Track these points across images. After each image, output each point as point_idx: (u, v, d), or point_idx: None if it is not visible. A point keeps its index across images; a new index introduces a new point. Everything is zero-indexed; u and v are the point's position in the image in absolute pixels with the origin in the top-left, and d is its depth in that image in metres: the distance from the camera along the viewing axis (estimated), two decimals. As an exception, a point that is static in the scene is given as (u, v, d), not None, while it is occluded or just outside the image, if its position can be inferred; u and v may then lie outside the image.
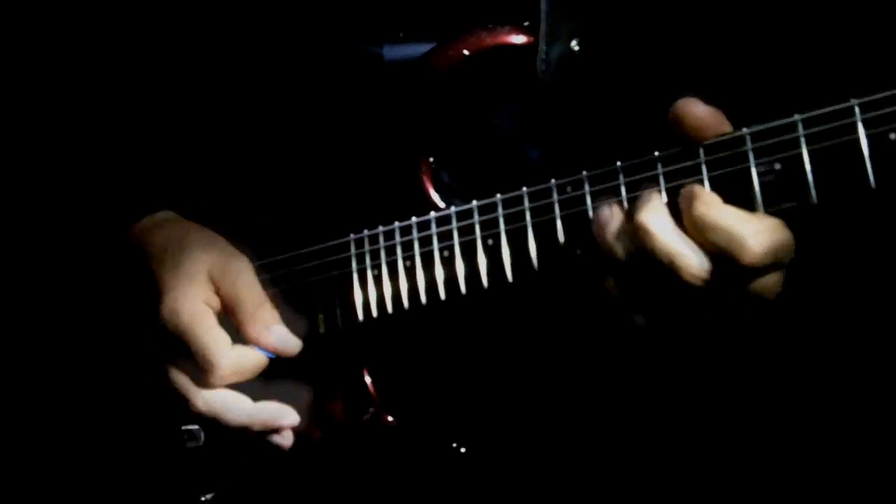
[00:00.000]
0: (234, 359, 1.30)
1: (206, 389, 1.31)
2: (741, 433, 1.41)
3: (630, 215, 1.13)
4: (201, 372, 1.30)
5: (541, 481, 1.44)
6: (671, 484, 1.42)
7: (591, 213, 1.21)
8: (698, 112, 1.12)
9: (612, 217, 1.15)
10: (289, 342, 1.33)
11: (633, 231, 1.12)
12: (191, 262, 1.32)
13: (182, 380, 1.32)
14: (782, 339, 1.35)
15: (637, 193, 1.16)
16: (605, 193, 1.20)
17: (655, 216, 1.11)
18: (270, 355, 1.33)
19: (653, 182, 1.17)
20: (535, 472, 1.44)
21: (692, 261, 1.09)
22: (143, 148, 1.54)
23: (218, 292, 1.32)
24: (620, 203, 1.18)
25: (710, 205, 1.09)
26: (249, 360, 1.31)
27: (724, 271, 1.09)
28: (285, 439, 1.36)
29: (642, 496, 1.42)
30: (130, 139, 1.55)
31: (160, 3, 1.53)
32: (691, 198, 1.10)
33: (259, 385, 1.35)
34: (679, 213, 1.12)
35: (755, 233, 1.07)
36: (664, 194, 1.16)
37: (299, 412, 1.36)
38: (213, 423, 1.34)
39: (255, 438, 1.36)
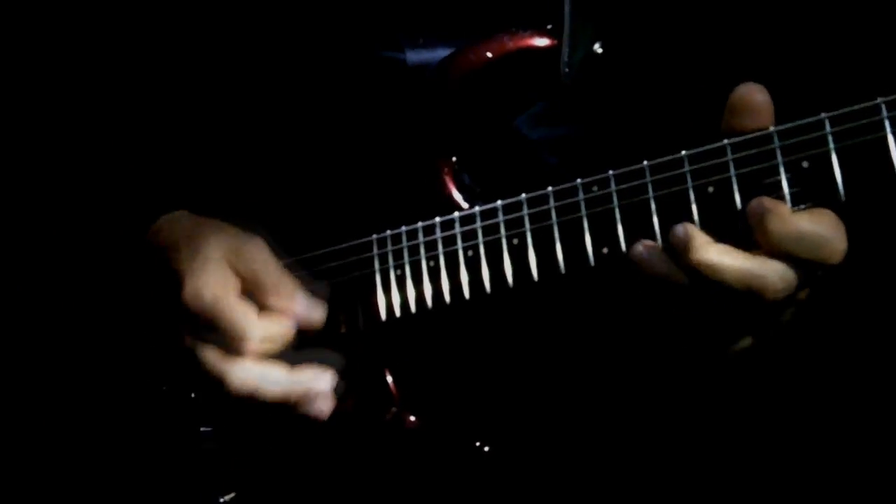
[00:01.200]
0: (262, 328, 1.31)
1: (239, 364, 1.31)
2: (768, 433, 1.43)
3: (678, 257, 1.14)
4: (232, 346, 1.30)
5: (564, 479, 1.44)
6: (694, 479, 1.43)
7: (618, 214, 1.22)
8: (760, 98, 1.14)
9: (656, 258, 1.16)
10: (313, 308, 1.34)
11: (694, 270, 1.12)
12: (207, 248, 1.33)
13: (214, 358, 1.31)
14: (802, 339, 1.36)
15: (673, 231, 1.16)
16: (632, 193, 1.22)
17: (713, 250, 1.13)
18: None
19: (681, 181, 1.19)
20: (559, 470, 1.44)
21: (770, 278, 1.11)
22: (160, 151, 1.55)
23: (237, 273, 1.33)
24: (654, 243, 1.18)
25: (785, 217, 1.10)
26: (277, 329, 1.32)
27: (809, 276, 1.11)
28: (322, 408, 1.33)
29: (665, 492, 1.43)
30: (147, 142, 1.55)
31: (182, 8, 1.54)
32: (764, 213, 1.11)
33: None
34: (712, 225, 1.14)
35: (836, 230, 1.10)
36: (695, 207, 1.17)
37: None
38: (248, 404, 1.32)
39: (292, 413, 1.34)
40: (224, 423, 1.47)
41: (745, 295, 1.11)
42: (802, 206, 1.12)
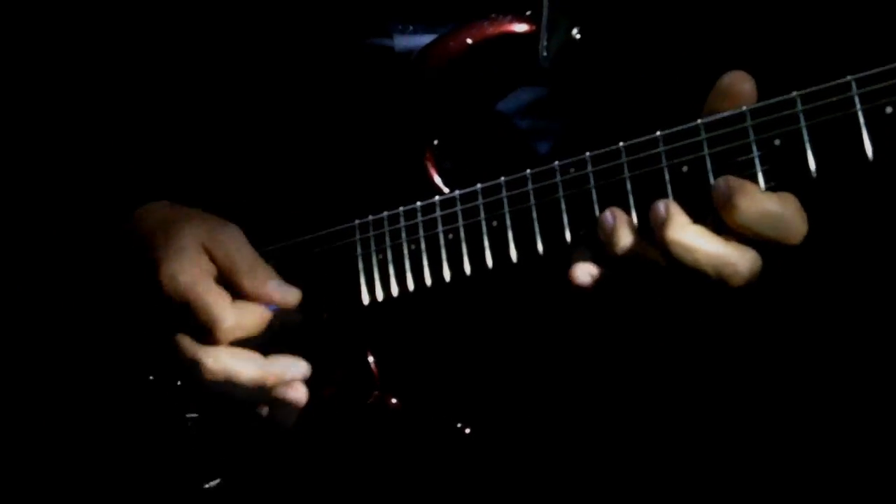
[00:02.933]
0: (237, 313, 1.32)
1: (214, 350, 1.32)
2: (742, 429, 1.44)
3: (652, 232, 1.16)
4: (206, 331, 1.31)
5: (545, 461, 1.45)
6: (674, 467, 1.44)
7: (594, 195, 1.24)
8: (747, 87, 1.16)
9: (626, 232, 1.18)
10: (287, 292, 1.36)
11: (665, 248, 1.14)
12: (182, 235, 1.35)
13: (188, 344, 1.33)
14: (783, 322, 1.37)
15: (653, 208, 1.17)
16: (608, 174, 1.23)
17: (690, 231, 1.14)
18: (273, 308, 1.35)
19: (656, 161, 1.20)
20: (540, 452, 1.45)
21: (741, 266, 1.13)
22: (140, 139, 1.56)
23: (212, 259, 1.35)
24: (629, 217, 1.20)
25: (753, 195, 1.12)
26: (252, 313, 1.34)
27: (769, 258, 1.13)
28: (299, 393, 1.35)
29: (645, 476, 1.44)
30: (127, 132, 1.56)
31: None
32: (733, 191, 1.12)
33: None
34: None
35: (800, 212, 1.12)
36: (670, 187, 1.19)
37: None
38: (224, 388, 1.33)
39: (269, 399, 1.36)
40: (209, 409, 1.48)
41: (713, 279, 1.13)
42: (773, 184, 1.14)
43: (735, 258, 1.13)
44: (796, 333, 1.41)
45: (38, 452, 1.55)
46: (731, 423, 1.43)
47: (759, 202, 1.12)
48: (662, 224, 1.15)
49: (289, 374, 1.35)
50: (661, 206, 1.16)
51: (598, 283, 1.20)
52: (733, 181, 1.13)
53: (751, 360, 1.42)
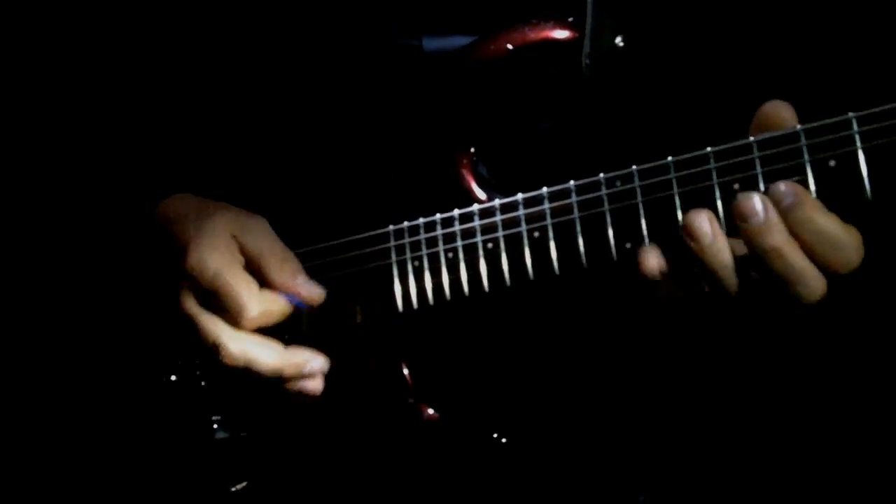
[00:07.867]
0: (262, 301, 1.32)
1: (237, 334, 1.32)
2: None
3: (746, 232, 1.13)
4: (231, 316, 1.31)
5: (579, 470, 1.45)
6: (696, 472, 1.44)
7: (641, 210, 1.22)
8: (786, 115, 1.15)
9: (715, 232, 1.15)
10: (313, 289, 1.36)
11: (758, 251, 1.12)
12: (212, 223, 1.35)
13: (212, 327, 1.32)
14: (814, 337, 1.38)
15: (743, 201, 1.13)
16: (656, 188, 1.22)
17: (787, 237, 1.11)
18: (297, 303, 1.35)
19: (706, 178, 1.19)
20: (575, 461, 1.45)
21: (819, 286, 1.12)
22: (170, 138, 1.53)
23: (242, 250, 1.35)
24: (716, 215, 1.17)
25: (817, 209, 1.11)
26: (276, 303, 1.34)
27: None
28: (316, 384, 1.36)
29: (676, 483, 1.44)
30: (158, 130, 1.53)
31: None
32: (799, 199, 1.11)
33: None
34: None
35: (859, 243, 1.12)
36: (720, 204, 1.17)
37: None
38: (243, 372, 1.33)
39: (285, 389, 1.36)
40: (235, 412, 1.47)
41: (791, 292, 1.12)
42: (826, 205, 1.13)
43: (814, 277, 1.12)
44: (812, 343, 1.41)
45: (57, 453, 1.53)
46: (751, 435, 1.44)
47: (823, 216, 1.11)
48: (766, 227, 1.11)
49: (307, 367, 1.35)
50: (758, 203, 1.12)
51: (665, 276, 1.18)
52: (799, 189, 1.11)
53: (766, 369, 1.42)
